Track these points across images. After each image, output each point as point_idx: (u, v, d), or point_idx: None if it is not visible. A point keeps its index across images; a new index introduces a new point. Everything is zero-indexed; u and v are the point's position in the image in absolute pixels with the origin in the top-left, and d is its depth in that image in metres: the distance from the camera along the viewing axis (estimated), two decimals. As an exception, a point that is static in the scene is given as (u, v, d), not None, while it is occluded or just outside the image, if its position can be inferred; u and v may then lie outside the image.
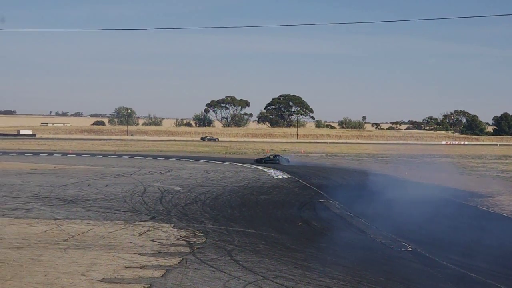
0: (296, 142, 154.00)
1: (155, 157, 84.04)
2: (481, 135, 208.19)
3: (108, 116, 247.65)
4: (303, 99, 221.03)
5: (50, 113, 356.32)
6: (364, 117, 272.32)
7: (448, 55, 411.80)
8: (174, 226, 29.01)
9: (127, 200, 37.66)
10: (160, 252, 22.90)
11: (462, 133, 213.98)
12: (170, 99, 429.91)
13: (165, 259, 21.61)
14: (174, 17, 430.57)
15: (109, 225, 28.51)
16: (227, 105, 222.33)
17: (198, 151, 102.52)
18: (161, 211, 33.68)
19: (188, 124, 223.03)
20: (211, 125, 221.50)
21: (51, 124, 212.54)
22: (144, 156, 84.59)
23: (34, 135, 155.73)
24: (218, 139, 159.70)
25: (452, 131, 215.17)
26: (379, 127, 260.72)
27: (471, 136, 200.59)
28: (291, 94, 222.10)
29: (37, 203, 35.27)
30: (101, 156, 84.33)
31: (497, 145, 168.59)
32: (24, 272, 19.21)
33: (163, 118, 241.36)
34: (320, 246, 25.78)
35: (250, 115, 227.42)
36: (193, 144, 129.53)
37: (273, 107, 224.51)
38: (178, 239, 25.75)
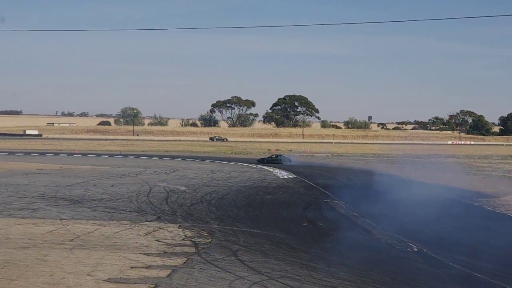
0: (301, 142, 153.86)
1: (161, 157, 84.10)
2: (487, 135, 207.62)
3: (114, 116, 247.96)
4: (308, 99, 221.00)
5: (56, 113, 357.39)
6: (369, 117, 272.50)
7: (454, 55, 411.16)
8: (179, 226, 29.04)
9: (132, 200, 37.70)
10: (165, 252, 22.92)
11: (468, 133, 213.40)
12: (176, 99, 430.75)
13: (171, 259, 21.63)
14: (180, 17, 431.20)
15: (115, 225, 28.54)
16: (233, 105, 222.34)
17: (204, 151, 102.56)
18: (166, 211, 33.70)
19: (194, 124, 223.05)
20: (216, 125, 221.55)
21: (57, 124, 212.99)
22: (150, 156, 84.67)
23: (40, 135, 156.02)
24: (226, 139, 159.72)
25: (458, 131, 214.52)
26: (384, 127, 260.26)
27: (477, 136, 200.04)
28: (297, 94, 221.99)
29: (43, 203, 35.35)
30: (107, 156, 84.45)
31: (503, 145, 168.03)
32: (30, 272, 19.26)
33: (169, 118, 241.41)
34: (325, 246, 25.76)
35: (256, 115, 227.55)
36: (199, 144, 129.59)
37: (279, 107, 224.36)
38: (183, 239, 25.77)
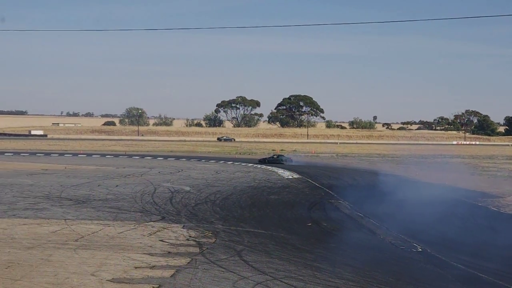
0: (306, 143, 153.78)
1: (166, 157, 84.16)
2: (492, 135, 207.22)
3: (119, 117, 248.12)
4: (313, 99, 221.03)
5: (61, 113, 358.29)
6: (374, 117, 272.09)
7: (460, 55, 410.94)
8: (183, 226, 29.04)
9: (137, 200, 37.73)
10: (169, 252, 22.92)
11: (473, 133, 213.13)
12: (181, 99, 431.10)
13: (175, 259, 21.63)
14: (185, 17, 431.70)
15: (119, 225, 28.56)
16: (238, 105, 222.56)
17: (209, 151, 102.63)
18: (171, 212, 33.72)
19: (199, 125, 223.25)
20: (221, 125, 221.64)
21: (62, 125, 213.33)
22: (155, 156, 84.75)
23: (45, 136, 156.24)
24: (234, 139, 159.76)
25: (463, 131, 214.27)
26: (389, 127, 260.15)
27: (482, 136, 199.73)
28: (302, 94, 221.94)
29: (47, 203, 35.39)
30: (112, 156, 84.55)
31: (508, 145, 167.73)
32: (34, 272, 19.28)
33: (174, 119, 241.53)
34: (329, 247, 25.76)
35: (261, 115, 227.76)
36: (203, 144, 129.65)
37: (284, 107, 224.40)
38: (187, 240, 25.77)
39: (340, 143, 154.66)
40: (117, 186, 45.26)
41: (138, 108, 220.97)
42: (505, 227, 32.56)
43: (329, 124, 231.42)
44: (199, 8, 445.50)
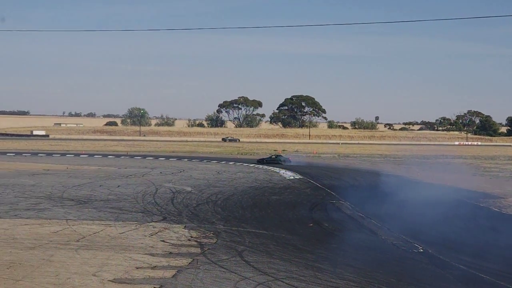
0: (308, 143, 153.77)
1: (167, 157, 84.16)
2: (494, 136, 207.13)
3: (121, 117, 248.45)
4: (315, 99, 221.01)
5: (63, 113, 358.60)
6: (376, 118, 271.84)
7: (462, 55, 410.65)
8: (185, 226, 29.06)
9: (138, 201, 37.75)
10: (171, 252, 22.95)
11: (475, 134, 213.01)
12: (183, 99, 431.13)
13: (176, 260, 21.66)
14: (187, 18, 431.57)
15: (121, 226, 28.59)
16: (240, 106, 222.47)
17: (210, 152, 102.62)
18: (172, 212, 33.73)
19: (201, 125, 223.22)
20: (223, 125, 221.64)
21: (64, 125, 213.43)
22: (156, 157, 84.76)
23: (47, 136, 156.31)
24: (239, 140, 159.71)
25: (465, 132, 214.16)
26: (391, 128, 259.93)
27: (485, 137, 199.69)
28: (304, 95, 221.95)
29: (49, 204, 35.44)
30: (114, 156, 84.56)
31: (510, 146, 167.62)
32: (36, 272, 19.31)
33: (176, 119, 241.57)
34: (331, 247, 25.75)
35: (263, 115, 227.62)
36: (205, 145, 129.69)
37: (286, 107, 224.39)
38: (189, 240, 25.79)
39: (342, 143, 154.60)
40: (118, 186, 45.29)
41: (140, 109, 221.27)
42: (507, 227, 32.54)
43: (331, 125, 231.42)
44: (201, 8, 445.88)
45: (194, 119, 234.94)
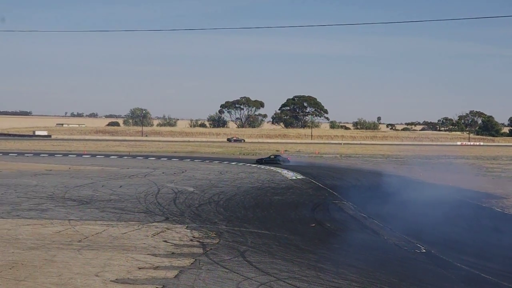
0: (310, 143, 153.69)
1: (169, 157, 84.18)
2: (496, 136, 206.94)
3: (123, 117, 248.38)
4: (317, 99, 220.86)
5: (66, 114, 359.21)
6: (378, 118, 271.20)
7: (464, 55, 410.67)
8: (187, 227, 29.07)
9: (141, 201, 37.77)
10: (173, 253, 22.96)
11: (477, 134, 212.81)
12: (185, 100, 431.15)
13: (178, 260, 21.67)
14: (189, 18, 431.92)
15: (123, 226, 28.60)
16: (242, 106, 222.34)
17: (212, 152, 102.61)
18: (174, 212, 33.75)
19: (203, 125, 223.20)
20: (225, 126, 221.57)
21: (66, 125, 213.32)
22: (159, 157, 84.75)
23: (49, 136, 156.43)
24: (244, 140, 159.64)
25: (468, 132, 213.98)
26: (394, 128, 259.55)
27: (487, 137, 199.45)
28: (306, 95, 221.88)
29: (51, 204, 35.47)
30: (116, 157, 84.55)
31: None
32: (38, 272, 19.33)
33: (178, 119, 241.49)
34: (333, 247, 25.74)
35: (265, 116, 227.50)
36: (207, 145, 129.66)
37: (288, 108, 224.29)
38: (191, 240, 25.80)
39: (344, 143, 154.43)
40: (121, 186, 45.32)
41: (142, 109, 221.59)
42: (509, 228, 32.53)
43: (333, 125, 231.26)
44: (202, 9, 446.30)
45: (196, 120, 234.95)
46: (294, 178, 57.19)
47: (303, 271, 20.95)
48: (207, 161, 79.33)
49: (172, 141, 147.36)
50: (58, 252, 22.40)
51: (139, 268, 20.23)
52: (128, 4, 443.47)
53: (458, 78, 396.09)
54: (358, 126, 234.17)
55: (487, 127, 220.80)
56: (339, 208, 38.37)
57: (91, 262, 20.87)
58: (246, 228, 29.42)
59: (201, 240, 25.79)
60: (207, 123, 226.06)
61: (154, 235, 26.47)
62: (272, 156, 79.89)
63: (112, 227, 28.32)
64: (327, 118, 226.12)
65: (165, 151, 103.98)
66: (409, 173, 64.21)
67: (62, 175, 53.74)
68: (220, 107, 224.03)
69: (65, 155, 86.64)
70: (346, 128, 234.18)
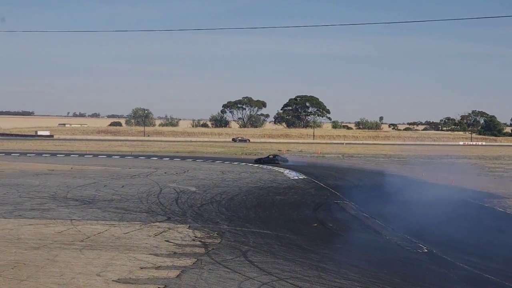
0: (312, 143, 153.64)
1: (172, 157, 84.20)
2: (499, 136, 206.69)
3: (125, 117, 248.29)
4: (319, 99, 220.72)
5: (68, 114, 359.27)
6: (381, 118, 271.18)
7: (466, 55, 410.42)
8: (189, 227, 29.08)
9: (143, 201, 37.79)
10: (175, 253, 22.97)
11: (480, 134, 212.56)
12: (187, 100, 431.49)
13: (180, 260, 21.67)
14: (191, 18, 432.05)
15: (125, 226, 28.62)
16: (244, 106, 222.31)
17: (214, 152, 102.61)
18: (176, 212, 33.75)
19: (205, 125, 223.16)
20: (227, 126, 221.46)
21: (68, 125, 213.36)
22: (161, 157, 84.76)
23: (52, 136, 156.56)
24: (249, 140, 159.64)
25: (470, 132, 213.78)
26: (396, 128, 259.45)
27: (489, 137, 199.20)
28: (308, 95, 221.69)
29: (53, 204, 35.50)
30: (118, 156, 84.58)
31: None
32: (40, 272, 19.35)
33: (180, 119, 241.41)
34: (335, 247, 25.72)
35: (267, 115, 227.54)
36: (209, 145, 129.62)
37: (290, 107, 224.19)
38: (193, 240, 25.81)
39: (346, 143, 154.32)
40: (123, 186, 45.34)
41: (144, 109, 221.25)
42: (511, 227, 32.47)
43: (335, 125, 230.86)
44: (204, 9, 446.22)
45: (198, 120, 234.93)
46: (296, 178, 57.17)
47: (305, 271, 20.95)
48: (209, 161, 79.33)
49: (174, 141, 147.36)
50: (60, 252, 22.42)
51: (141, 268, 20.25)
52: (130, 4, 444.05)
53: (460, 78, 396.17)
54: (360, 126, 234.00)
55: (489, 127, 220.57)
56: (341, 208, 38.36)
57: (93, 262, 20.88)
58: (248, 228, 29.42)
59: (203, 240, 25.80)
60: (209, 123, 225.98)
61: (156, 235, 26.48)
62: (271, 156, 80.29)
63: (114, 227, 28.34)
64: (329, 118, 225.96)
65: (167, 151, 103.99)
66: (411, 173, 64.14)
67: (64, 175, 53.79)
68: (222, 107, 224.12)
69: (67, 155, 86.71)
70: (348, 128, 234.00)
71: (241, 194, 42.51)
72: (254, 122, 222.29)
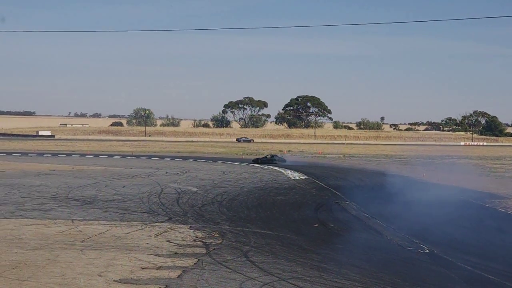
0: (313, 143, 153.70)
1: (173, 158, 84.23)
2: (500, 136, 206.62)
3: (126, 117, 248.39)
4: (321, 100, 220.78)
5: (69, 114, 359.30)
6: (382, 118, 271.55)
7: (467, 55, 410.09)
8: (190, 227, 29.07)
9: (144, 201, 37.79)
10: (176, 253, 22.97)
11: (481, 134, 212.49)
12: (188, 100, 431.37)
13: (181, 260, 21.67)
14: (192, 19, 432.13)
15: (126, 226, 28.62)
16: (245, 106, 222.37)
17: (216, 152, 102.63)
18: (177, 212, 33.76)
19: (206, 125, 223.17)
20: (228, 126, 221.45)
21: (69, 125, 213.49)
22: (162, 157, 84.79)
23: (53, 136, 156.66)
24: (253, 140, 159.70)
25: (471, 132, 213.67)
26: (397, 128, 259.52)
27: (490, 137, 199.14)
28: (309, 95, 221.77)
29: (54, 204, 35.51)
30: (119, 157, 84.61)
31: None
32: (41, 272, 19.35)
33: (181, 119, 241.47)
34: (336, 248, 25.72)
35: (268, 116, 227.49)
36: (210, 145, 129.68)
37: (291, 108, 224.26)
38: (194, 240, 25.81)
39: (347, 144, 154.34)
40: (124, 186, 45.35)
41: (145, 109, 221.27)
42: (512, 228, 32.50)
43: (336, 125, 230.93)
44: (205, 9, 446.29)
45: (200, 120, 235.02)
46: (297, 178, 57.17)
47: (306, 271, 20.95)
48: (210, 161, 79.37)
49: (175, 141, 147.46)
50: (61, 252, 22.43)
51: (142, 268, 20.25)
52: (131, 4, 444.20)
53: (461, 78, 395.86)
54: (362, 126, 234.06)
55: (490, 127, 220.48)
56: (342, 208, 38.36)
57: (94, 262, 20.89)
58: (249, 228, 29.42)
59: (204, 240, 25.80)
60: (210, 123, 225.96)
61: (157, 235, 26.48)
62: (269, 156, 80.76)
63: (115, 227, 28.35)
64: (331, 118, 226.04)
65: (168, 151, 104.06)
66: (413, 173, 64.15)
67: (65, 175, 53.81)
68: (224, 107, 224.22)
69: (69, 155, 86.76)
70: (350, 128, 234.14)
71: (242, 195, 42.51)
72: (255, 122, 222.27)
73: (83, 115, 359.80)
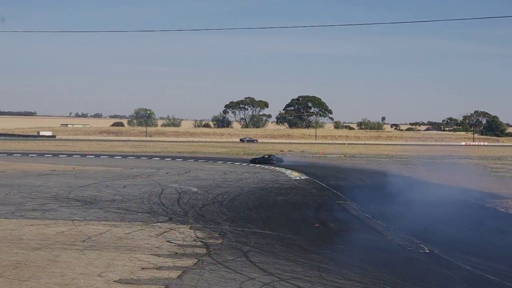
0: (314, 143, 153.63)
1: (174, 158, 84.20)
2: (501, 136, 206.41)
3: (127, 117, 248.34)
4: (322, 100, 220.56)
5: (70, 114, 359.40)
6: (383, 118, 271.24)
7: (469, 55, 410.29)
8: (191, 227, 29.08)
9: (144, 201, 37.80)
10: (176, 253, 22.98)
11: (482, 134, 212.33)
12: (189, 100, 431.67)
13: (182, 260, 21.69)
14: (193, 19, 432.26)
15: (126, 226, 28.63)
16: (246, 106, 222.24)
17: (216, 152, 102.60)
18: (178, 212, 33.76)
19: (207, 125, 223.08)
20: (229, 126, 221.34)
21: (70, 125, 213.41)
22: (163, 157, 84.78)
23: (54, 136, 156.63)
24: (257, 141, 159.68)
25: (472, 132, 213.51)
26: (398, 128, 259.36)
27: (491, 137, 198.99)
28: (310, 95, 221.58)
29: (55, 204, 35.53)
30: (120, 157, 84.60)
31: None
32: (42, 272, 19.37)
33: (182, 119, 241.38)
34: (336, 248, 25.73)
35: (269, 116, 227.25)
36: (211, 145, 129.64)
37: (292, 108, 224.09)
38: (194, 240, 25.81)
39: (348, 144, 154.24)
40: (124, 187, 45.36)
41: (146, 109, 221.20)
42: (513, 228, 32.47)
43: (337, 125, 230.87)
44: (206, 9, 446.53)
45: (201, 120, 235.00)
46: (298, 178, 57.14)
47: (306, 271, 20.96)
48: (211, 161, 79.34)
49: (176, 142, 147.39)
50: (61, 252, 22.45)
51: (142, 268, 20.26)
52: (132, 4, 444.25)
53: (462, 78, 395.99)
54: (363, 126, 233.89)
55: (491, 127, 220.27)
56: (342, 208, 38.35)
57: (94, 263, 20.90)
58: (250, 229, 29.42)
59: (204, 241, 25.81)
60: (211, 123, 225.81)
61: (158, 236, 26.49)
62: (266, 156, 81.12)
63: (116, 227, 28.36)
64: (332, 118, 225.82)
65: (169, 151, 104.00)
66: (413, 173, 64.12)
67: (66, 175, 53.83)
68: (225, 107, 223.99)
69: (69, 155, 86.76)
70: (351, 128, 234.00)
71: (243, 195, 42.51)
72: (256, 122, 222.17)
73: (84, 116, 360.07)
